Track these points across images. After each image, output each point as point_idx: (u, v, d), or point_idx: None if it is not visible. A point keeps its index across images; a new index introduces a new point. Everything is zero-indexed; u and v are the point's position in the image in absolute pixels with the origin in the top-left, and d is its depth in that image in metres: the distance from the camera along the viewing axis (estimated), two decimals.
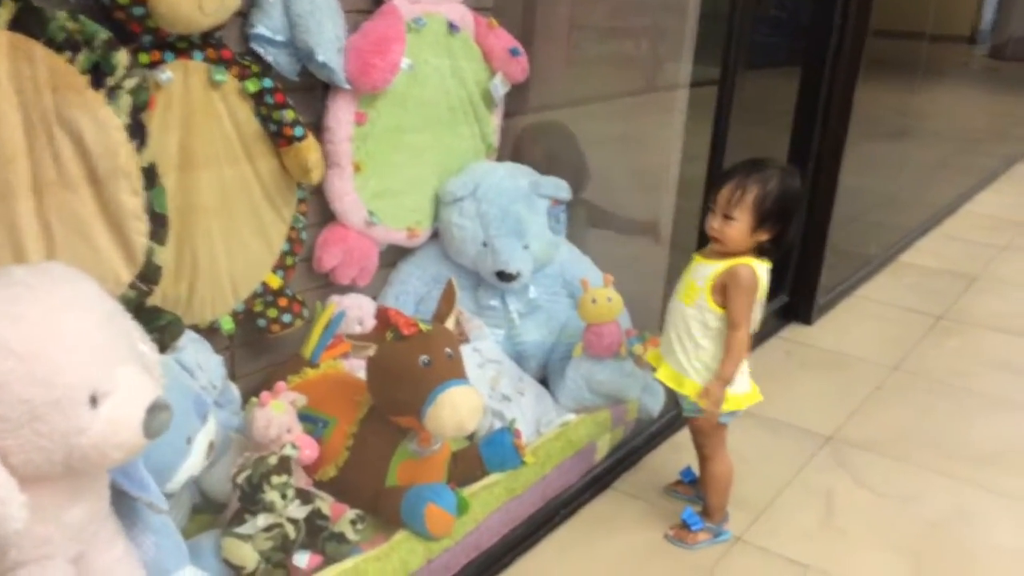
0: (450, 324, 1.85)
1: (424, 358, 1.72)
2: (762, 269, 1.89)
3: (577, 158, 2.67)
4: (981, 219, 5.04)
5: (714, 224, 1.87)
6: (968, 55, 8.82)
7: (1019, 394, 2.89)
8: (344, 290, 2.23)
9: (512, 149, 2.56)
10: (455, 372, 1.75)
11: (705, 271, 1.91)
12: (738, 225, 1.85)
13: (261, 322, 2.00)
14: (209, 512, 1.78)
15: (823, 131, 3.13)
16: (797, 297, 3.28)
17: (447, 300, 1.87)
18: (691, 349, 1.93)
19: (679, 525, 2.08)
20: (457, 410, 1.69)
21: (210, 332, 1.92)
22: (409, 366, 1.72)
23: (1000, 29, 9.03)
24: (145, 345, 1.34)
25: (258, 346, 2.11)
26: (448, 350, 1.76)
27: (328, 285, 2.22)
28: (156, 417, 1.20)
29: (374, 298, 2.31)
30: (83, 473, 1.22)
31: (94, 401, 1.15)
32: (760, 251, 1.91)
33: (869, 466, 2.42)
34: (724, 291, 1.88)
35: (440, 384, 1.70)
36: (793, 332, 3.26)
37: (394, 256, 2.39)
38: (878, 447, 2.51)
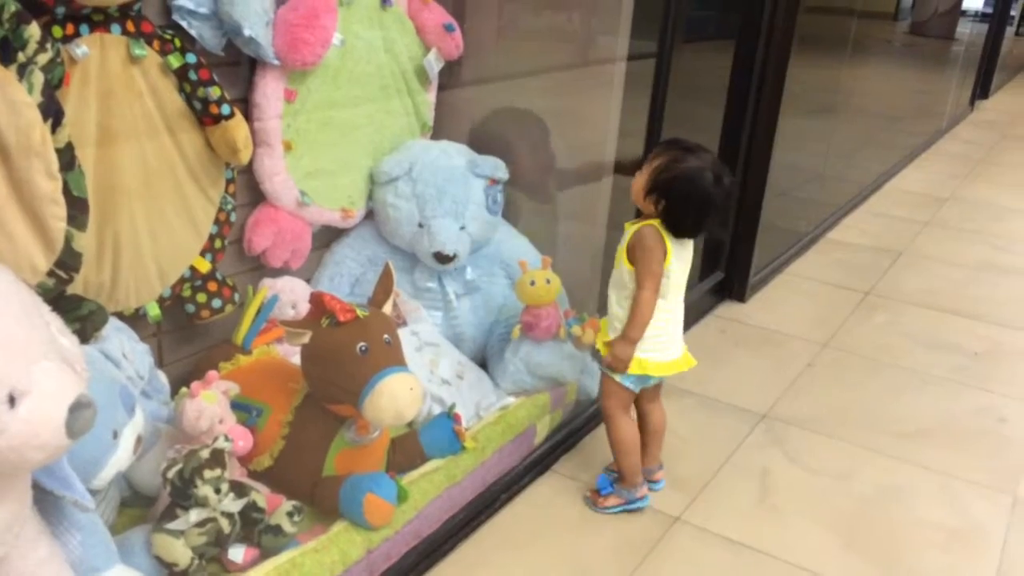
0: (387, 309, 1.81)
1: (362, 345, 1.67)
2: (669, 238, 1.95)
3: (546, 149, 2.64)
4: (905, 195, 5.17)
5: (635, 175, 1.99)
6: (891, 32, 9.00)
7: (944, 370, 2.97)
8: (276, 273, 2.16)
9: (471, 137, 2.49)
10: (393, 359, 1.71)
11: (625, 235, 2.01)
12: (640, 179, 1.96)
13: (190, 308, 1.93)
14: (138, 506, 1.72)
15: (756, 108, 3.14)
16: (731, 274, 3.31)
17: (384, 284, 1.82)
18: (615, 310, 2.02)
19: (594, 490, 2.13)
20: (396, 398, 1.65)
21: (135, 319, 1.84)
22: (346, 353, 1.67)
23: (920, 6, 9.24)
24: (66, 338, 1.26)
25: (186, 332, 2.03)
26: (386, 336, 1.72)
27: (259, 268, 2.15)
28: (79, 416, 1.14)
29: (308, 281, 2.25)
30: (2, 475, 1.15)
31: (12, 400, 1.08)
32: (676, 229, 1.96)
33: (802, 443, 2.46)
34: (633, 252, 1.96)
35: (378, 372, 1.66)
36: (727, 310, 3.29)
37: (327, 237, 2.32)
38: (810, 424, 2.56)
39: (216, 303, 1.95)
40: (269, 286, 2.09)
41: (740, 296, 3.34)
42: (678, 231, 1.96)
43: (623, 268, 1.98)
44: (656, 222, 1.95)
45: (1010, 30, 9.17)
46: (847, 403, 2.70)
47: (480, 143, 2.42)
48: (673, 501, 2.15)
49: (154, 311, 1.85)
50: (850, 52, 5.74)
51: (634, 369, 1.96)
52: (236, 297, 2.01)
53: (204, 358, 1.99)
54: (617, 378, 2.00)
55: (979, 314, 3.45)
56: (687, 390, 2.59)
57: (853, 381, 2.86)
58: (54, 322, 1.25)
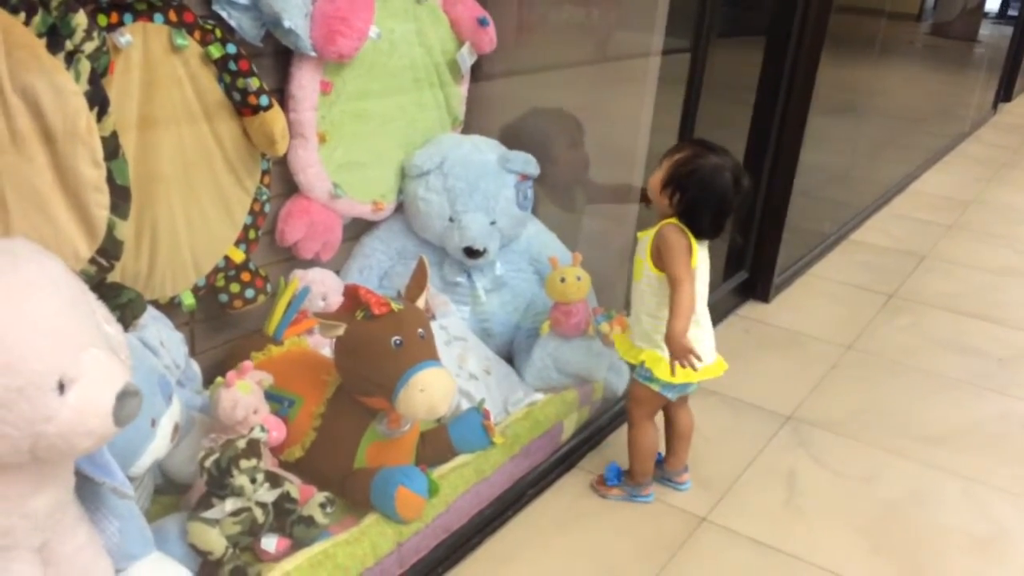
0: (421, 303, 1.81)
1: (396, 339, 1.68)
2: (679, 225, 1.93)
3: (577, 146, 2.63)
4: (928, 198, 5.13)
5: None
6: (914, 33, 8.94)
7: (967, 374, 2.95)
8: (306, 264, 2.17)
9: (502, 132, 2.48)
10: (427, 353, 1.71)
11: (643, 244, 1.98)
12: (658, 174, 1.95)
13: (223, 297, 1.94)
14: (172, 493, 1.73)
15: (785, 107, 3.12)
16: (756, 274, 3.30)
17: (418, 279, 1.82)
18: (649, 321, 1.97)
19: (601, 476, 2.14)
20: (430, 392, 1.66)
21: (170, 308, 1.85)
22: (380, 347, 1.68)
23: (942, 7, 9.17)
24: (111, 326, 1.28)
25: (217, 321, 2.04)
26: (420, 330, 1.72)
27: (290, 259, 2.16)
28: (126, 404, 1.15)
29: (337, 272, 2.26)
30: (49, 461, 1.16)
31: (61, 388, 1.09)
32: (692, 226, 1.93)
33: (827, 446, 2.45)
34: (660, 254, 1.93)
35: (413, 366, 1.67)
36: (751, 310, 3.28)
37: (357, 230, 2.33)
38: (836, 426, 2.55)
39: (249, 293, 1.96)
40: (300, 277, 2.10)
41: (764, 296, 3.33)
42: (695, 229, 1.93)
43: (649, 275, 1.94)
44: (674, 220, 1.92)
45: None
46: (871, 406, 2.69)
47: (511, 139, 2.42)
48: (699, 501, 2.15)
49: (189, 300, 1.86)
50: (873, 52, 5.71)
51: (678, 378, 1.93)
52: (268, 287, 2.02)
53: (236, 347, 2.00)
54: (655, 387, 1.98)
55: (1002, 319, 3.43)
56: (712, 390, 2.58)
57: (877, 384, 2.84)
58: (100, 311, 1.26)
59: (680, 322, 1.86)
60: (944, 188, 5.38)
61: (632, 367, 2.07)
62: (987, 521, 2.19)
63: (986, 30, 9.72)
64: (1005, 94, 8.54)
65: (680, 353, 1.85)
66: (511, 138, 2.43)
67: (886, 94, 6.37)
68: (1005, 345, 3.19)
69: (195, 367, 1.88)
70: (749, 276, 3.30)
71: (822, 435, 2.50)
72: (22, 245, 1.16)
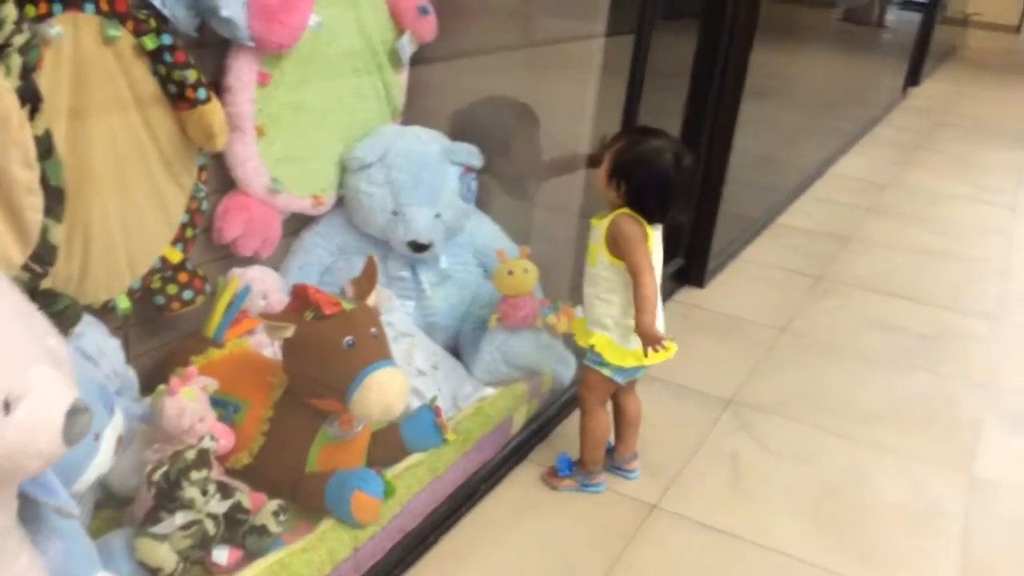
0: (371, 301, 1.77)
1: (348, 339, 1.64)
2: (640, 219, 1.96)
3: (531, 138, 2.60)
4: (847, 181, 5.27)
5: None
6: (827, 18, 9.16)
7: (896, 353, 3.05)
8: (245, 262, 2.10)
9: (454, 128, 2.44)
10: (381, 353, 1.67)
11: (597, 231, 1.99)
12: (603, 167, 1.96)
13: (159, 300, 1.86)
14: (112, 507, 1.65)
15: (720, 92, 3.15)
16: (691, 260, 3.34)
17: (369, 276, 1.78)
18: (600, 306, 2.00)
19: (552, 468, 2.14)
20: (385, 392, 1.62)
21: (103, 312, 1.76)
22: (332, 347, 1.63)
23: None
24: (52, 338, 1.20)
25: (152, 325, 1.96)
26: (373, 329, 1.68)
27: (228, 257, 2.09)
28: (76, 421, 1.08)
29: (276, 269, 2.19)
30: None
31: (7, 407, 1.02)
32: (643, 212, 1.96)
33: (768, 428, 2.50)
34: (616, 243, 1.94)
35: (366, 366, 1.63)
36: (687, 295, 3.32)
37: (295, 225, 2.26)
38: (775, 409, 2.60)
39: (187, 295, 1.89)
40: (239, 276, 2.03)
41: (699, 282, 3.38)
42: (645, 215, 1.95)
43: (605, 262, 1.96)
44: (625, 210, 1.95)
45: None
46: (807, 387, 2.76)
47: (457, 129, 2.39)
48: (649, 489, 2.16)
49: (124, 304, 1.78)
50: (787, 38, 5.83)
51: (628, 361, 1.96)
52: (207, 288, 1.94)
53: (174, 352, 1.92)
54: (606, 372, 1.99)
55: (925, 298, 3.55)
56: (655, 377, 2.60)
57: (811, 365, 2.91)
58: (40, 322, 1.18)
59: (648, 315, 1.88)
60: (861, 171, 5.53)
61: (583, 353, 2.07)
62: (924, 497, 2.27)
63: (893, 16, 10.01)
64: (913, 78, 8.82)
65: (652, 341, 1.88)
66: (458, 128, 2.39)
67: (801, 79, 6.51)
68: (929, 324, 3.31)
69: (131, 374, 1.80)
70: (685, 262, 3.33)
71: (762, 418, 2.55)
72: None
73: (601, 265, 1.97)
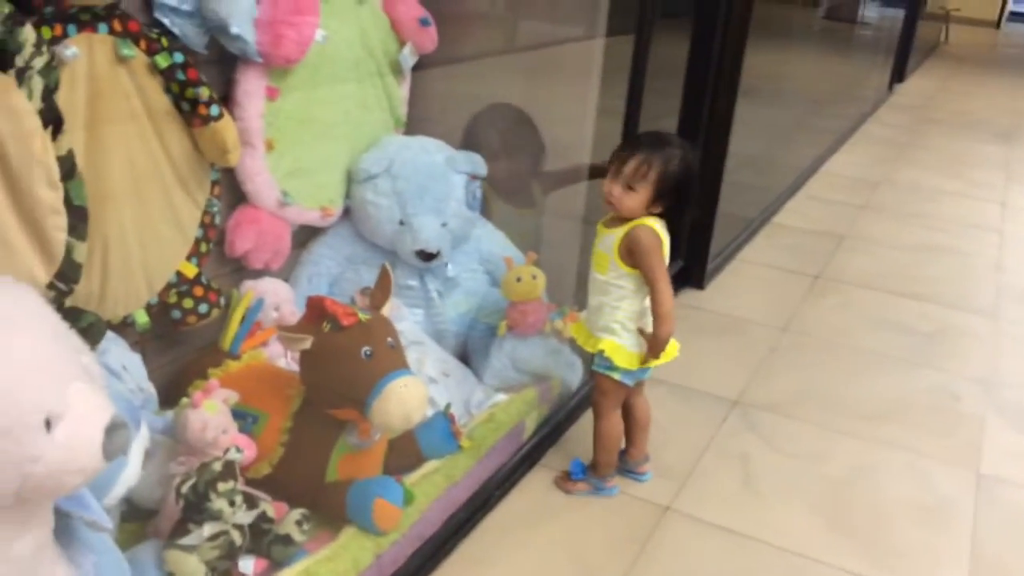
0: (386, 311, 1.79)
1: (366, 349, 1.66)
2: (659, 225, 1.98)
3: (535, 140, 2.62)
4: (839, 179, 5.32)
5: (614, 191, 1.95)
6: (811, 16, 9.23)
7: (897, 350, 3.08)
8: (256, 274, 2.12)
9: (463, 137, 2.47)
10: (398, 362, 1.70)
11: (609, 239, 2.00)
12: (637, 197, 1.94)
13: (176, 314, 1.88)
14: (136, 520, 1.67)
15: (714, 94, 3.18)
16: (691, 262, 3.37)
17: (383, 286, 1.80)
18: (609, 312, 2.01)
19: (565, 472, 2.17)
20: (404, 402, 1.64)
21: (121, 328, 1.78)
22: (350, 358, 1.65)
23: None
24: (85, 356, 1.22)
25: (167, 339, 1.97)
26: (389, 339, 1.71)
27: (239, 270, 2.10)
28: (115, 437, 1.10)
29: (285, 280, 2.21)
30: (33, 502, 1.11)
31: (48, 425, 1.04)
32: (667, 219, 2.00)
33: (775, 428, 2.53)
34: (631, 253, 1.96)
35: (385, 376, 1.65)
36: (688, 297, 3.34)
37: (303, 236, 2.28)
38: (781, 408, 2.63)
39: (203, 308, 1.90)
40: (252, 288, 2.05)
41: (699, 283, 3.41)
42: (668, 222, 1.99)
43: (617, 270, 1.97)
44: (646, 220, 1.96)
45: None
46: (811, 386, 2.79)
47: (464, 138, 2.41)
48: (662, 490, 2.19)
49: (142, 319, 1.79)
50: (773, 36, 5.87)
51: (635, 364, 1.98)
52: (221, 301, 1.96)
53: (191, 365, 1.94)
54: (615, 376, 2.02)
55: (923, 295, 3.59)
56: (661, 379, 2.63)
57: (814, 364, 2.94)
58: (77, 342, 1.20)
59: (667, 327, 1.92)
60: (853, 169, 5.58)
61: (592, 358, 2.09)
62: (931, 492, 2.30)
63: (875, 12, 10.08)
64: (899, 75, 8.89)
65: (661, 351, 1.92)
66: (464, 137, 2.42)
67: (789, 78, 6.57)
68: (929, 320, 3.34)
69: (151, 388, 1.82)
70: (684, 264, 3.36)
71: (769, 417, 2.58)
72: None
73: (613, 273, 1.98)
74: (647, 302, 1.99)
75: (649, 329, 1.98)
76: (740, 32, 3.14)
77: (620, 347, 2.01)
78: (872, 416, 2.63)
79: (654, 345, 1.95)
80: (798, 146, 5.67)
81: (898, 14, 9.08)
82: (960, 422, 2.66)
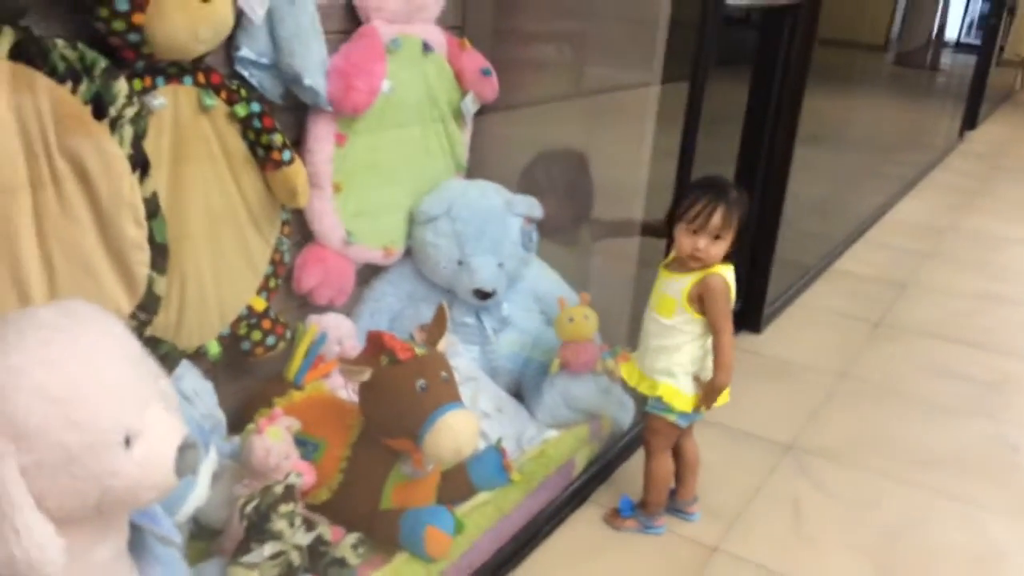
0: (442, 347, 1.87)
1: (421, 383, 1.74)
2: (729, 274, 2.01)
3: (587, 185, 2.71)
4: (904, 226, 5.27)
5: (701, 244, 1.95)
6: (880, 62, 9.19)
7: (955, 399, 3.05)
8: (320, 310, 2.23)
9: (522, 179, 2.57)
10: (451, 396, 1.77)
11: (678, 285, 2.02)
12: (723, 245, 1.97)
13: (245, 345, 1.99)
14: (203, 539, 1.76)
15: (772, 138, 3.23)
16: (747, 305, 3.39)
17: (439, 323, 1.88)
18: (670, 355, 2.04)
19: (615, 509, 2.20)
20: (456, 434, 1.71)
21: (194, 357, 1.89)
22: (406, 391, 1.74)
23: (905, 37, 9.43)
24: (162, 380, 1.33)
25: (236, 368, 2.09)
26: (443, 373, 1.78)
27: (304, 305, 2.22)
28: (187, 456, 1.20)
29: (348, 316, 2.31)
30: (111, 514, 1.21)
31: (128, 443, 1.14)
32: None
33: (828, 473, 2.53)
34: (700, 300, 1.99)
35: (438, 408, 1.72)
36: (743, 341, 3.36)
37: (366, 274, 2.39)
38: (834, 454, 2.63)
39: (270, 340, 2.01)
40: (316, 323, 2.15)
41: (755, 327, 3.42)
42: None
43: (685, 315, 1.99)
44: (718, 268, 1.98)
45: None
46: (867, 433, 2.78)
47: (521, 182, 2.51)
48: (710, 531, 2.21)
49: (215, 349, 1.91)
50: (842, 82, 5.87)
51: (691, 407, 2.03)
52: (288, 334, 2.07)
53: (257, 394, 2.05)
54: (671, 418, 2.06)
55: (984, 344, 3.54)
56: (714, 421, 2.66)
57: (870, 411, 2.93)
58: (154, 367, 1.31)
59: (726, 376, 1.97)
60: (918, 216, 5.53)
61: (642, 398, 2.14)
62: (984, 543, 2.28)
63: (948, 59, 9.97)
64: (970, 122, 8.78)
65: (715, 398, 1.97)
66: (521, 182, 2.51)
67: (856, 124, 6.55)
68: (989, 370, 3.30)
69: (220, 414, 1.93)
70: (741, 306, 3.39)
71: (822, 463, 2.58)
72: (82, 306, 1.22)
73: (680, 318, 2.01)
74: (708, 347, 2.03)
75: (704, 375, 2.03)
76: (799, 77, 3.19)
77: (678, 391, 2.05)
78: (927, 464, 2.61)
79: (710, 392, 2.00)
80: (864, 193, 5.65)
81: (970, 60, 8.99)
82: (1017, 473, 2.62)
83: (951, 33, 9.61)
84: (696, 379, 2.03)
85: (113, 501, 1.16)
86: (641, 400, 2.37)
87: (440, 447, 1.72)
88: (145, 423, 1.17)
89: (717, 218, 1.93)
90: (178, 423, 1.22)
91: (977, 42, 9.16)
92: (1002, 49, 9.54)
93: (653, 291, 2.11)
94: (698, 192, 1.98)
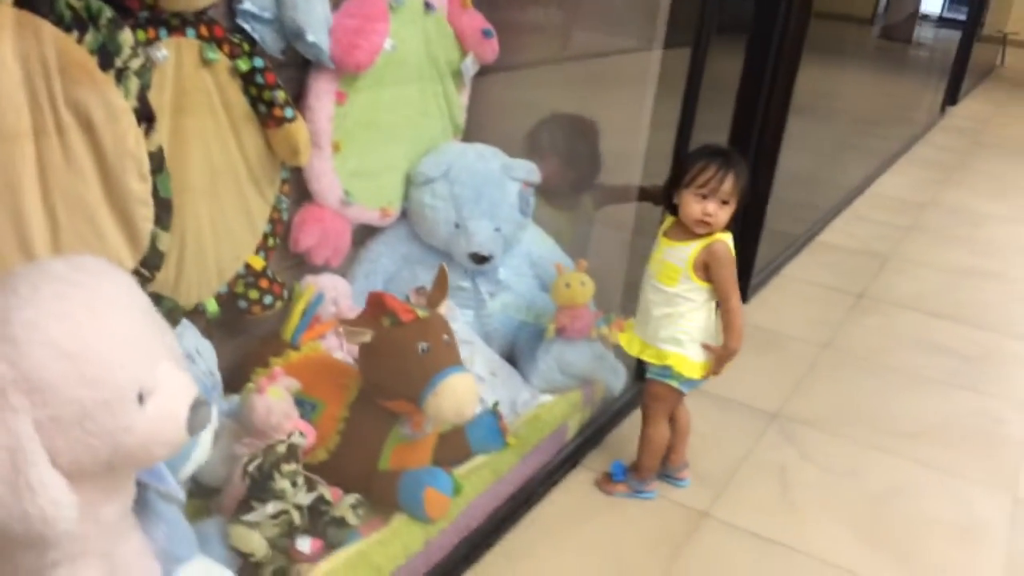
0: (443, 310, 1.87)
1: (423, 345, 1.74)
2: (730, 240, 2.03)
3: (595, 154, 2.69)
4: (887, 200, 5.32)
5: (710, 209, 1.96)
6: (866, 36, 9.20)
7: (938, 372, 3.10)
8: (317, 270, 2.21)
9: (528, 143, 2.55)
10: (452, 359, 1.77)
11: (682, 252, 2.02)
12: (730, 211, 1.99)
13: (242, 303, 1.97)
14: (200, 497, 1.76)
15: (766, 110, 3.22)
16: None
17: (440, 285, 1.88)
18: (676, 323, 2.05)
19: (607, 474, 2.23)
20: (458, 397, 1.72)
21: (192, 314, 1.88)
22: (408, 353, 1.73)
23: (891, 10, 9.43)
24: (170, 337, 1.32)
25: (232, 327, 2.07)
26: (445, 336, 1.78)
27: (300, 265, 2.20)
28: (198, 413, 1.20)
29: (343, 276, 2.30)
30: (120, 470, 1.20)
31: (141, 399, 1.14)
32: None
33: (813, 442, 2.57)
34: (706, 268, 2.00)
35: (440, 371, 1.73)
36: None
37: (362, 235, 2.37)
38: (819, 423, 2.67)
39: (268, 299, 2.00)
40: (313, 283, 2.14)
41: (743, 297, 3.44)
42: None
43: (690, 283, 2.00)
44: (720, 235, 2.00)
45: None
46: (851, 403, 2.82)
47: (523, 146, 2.49)
48: (699, 496, 2.24)
49: (213, 307, 1.89)
50: (826, 54, 5.87)
51: (698, 374, 2.04)
52: (285, 294, 2.05)
53: (253, 353, 2.04)
54: (674, 384, 2.07)
55: (966, 318, 3.60)
56: (703, 390, 2.65)
57: (855, 382, 2.98)
58: (161, 322, 1.30)
59: (739, 340, 2.01)
60: (900, 190, 5.57)
61: (636, 364, 2.15)
62: (966, 512, 2.33)
63: (930, 34, 10.00)
64: (952, 98, 8.83)
65: (727, 362, 2.01)
66: (528, 143, 2.50)
67: (840, 97, 6.56)
68: (971, 343, 3.36)
69: (218, 373, 1.92)
70: None
71: (807, 432, 2.62)
72: (92, 261, 1.20)
73: (684, 286, 2.02)
74: (712, 313, 2.05)
75: (711, 342, 2.04)
76: (795, 49, 3.18)
77: (686, 359, 2.06)
78: (911, 435, 2.66)
79: (722, 357, 2.03)
80: (847, 165, 5.68)
81: (954, 36, 9.03)
82: (1001, 445, 2.68)
83: (934, 7, 9.64)
84: (705, 346, 2.04)
85: (125, 457, 1.15)
86: (633, 365, 2.40)
87: (442, 409, 1.72)
88: (158, 380, 1.16)
89: (728, 183, 1.95)
90: (189, 380, 1.21)
91: (961, 17, 9.19)
92: (982, 25, 9.57)
93: (652, 259, 2.11)
94: (707, 158, 1.99)
